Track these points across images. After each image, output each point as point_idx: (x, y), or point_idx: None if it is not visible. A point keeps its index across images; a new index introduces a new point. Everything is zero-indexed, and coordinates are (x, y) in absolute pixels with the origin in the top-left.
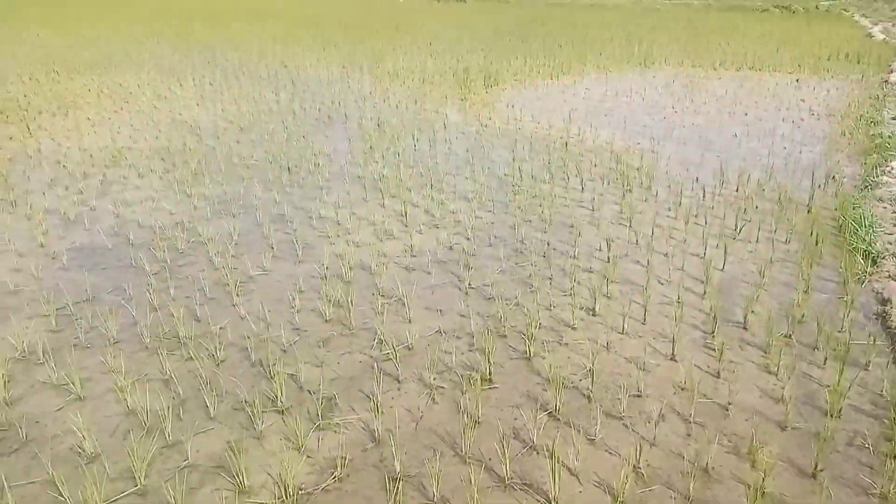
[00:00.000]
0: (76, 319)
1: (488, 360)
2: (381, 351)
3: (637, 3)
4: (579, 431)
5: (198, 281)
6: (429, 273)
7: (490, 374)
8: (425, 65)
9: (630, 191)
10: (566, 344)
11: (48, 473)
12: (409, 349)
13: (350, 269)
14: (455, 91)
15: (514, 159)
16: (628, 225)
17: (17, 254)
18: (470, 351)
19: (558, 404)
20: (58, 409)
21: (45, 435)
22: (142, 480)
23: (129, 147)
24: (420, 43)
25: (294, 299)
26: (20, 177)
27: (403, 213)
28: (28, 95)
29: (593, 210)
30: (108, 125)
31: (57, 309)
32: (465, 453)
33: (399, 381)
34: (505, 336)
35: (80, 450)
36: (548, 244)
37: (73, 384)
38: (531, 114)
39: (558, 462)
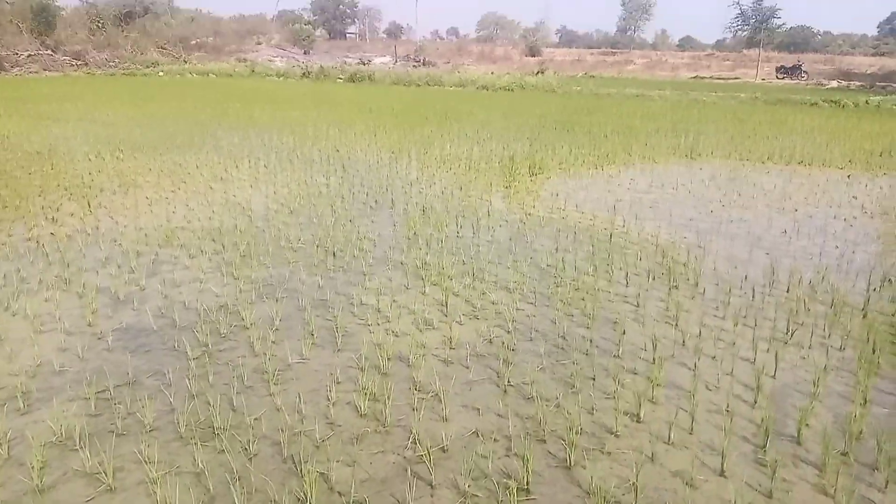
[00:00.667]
0: (115, 404)
1: (526, 467)
2: (414, 452)
3: (683, 95)
4: None
5: (237, 367)
6: (467, 367)
7: (528, 483)
8: (472, 152)
9: (676, 287)
10: (609, 453)
11: None
12: (444, 451)
13: (388, 360)
14: (500, 179)
15: (557, 249)
16: (674, 324)
17: (66, 332)
18: (507, 456)
19: None
20: (87, 501)
21: None
22: None
23: (182, 227)
24: (468, 130)
25: (330, 390)
26: (76, 254)
27: (444, 303)
28: (92, 173)
29: (638, 306)
30: (164, 204)
31: (97, 392)
32: None
33: (432, 487)
34: (544, 441)
35: None
36: (590, 341)
37: (106, 474)
38: (575, 203)
39: None
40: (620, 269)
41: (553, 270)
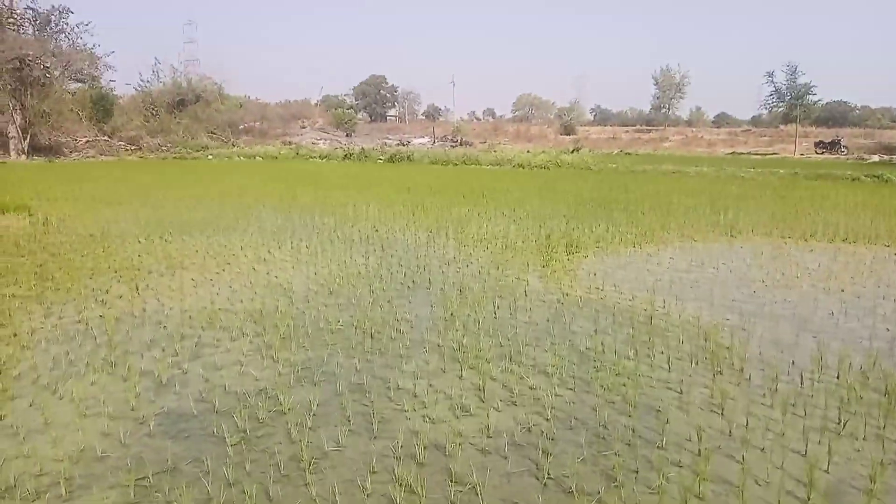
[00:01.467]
0: (154, 492)
1: None
2: None
3: (721, 170)
4: None
5: (274, 455)
6: (505, 458)
7: None
8: (508, 230)
9: (720, 373)
10: None
11: None
12: None
13: (424, 448)
14: (537, 258)
15: (595, 332)
16: (720, 412)
17: (109, 417)
18: None
19: None
20: None
21: None
22: None
23: (225, 309)
24: (504, 209)
25: (366, 481)
26: (123, 336)
27: (481, 388)
28: (141, 255)
29: (681, 393)
30: (209, 286)
31: (137, 479)
32: None
33: None
34: None
35: None
36: (633, 430)
37: None
38: (613, 283)
39: None
40: (662, 352)
41: (592, 354)
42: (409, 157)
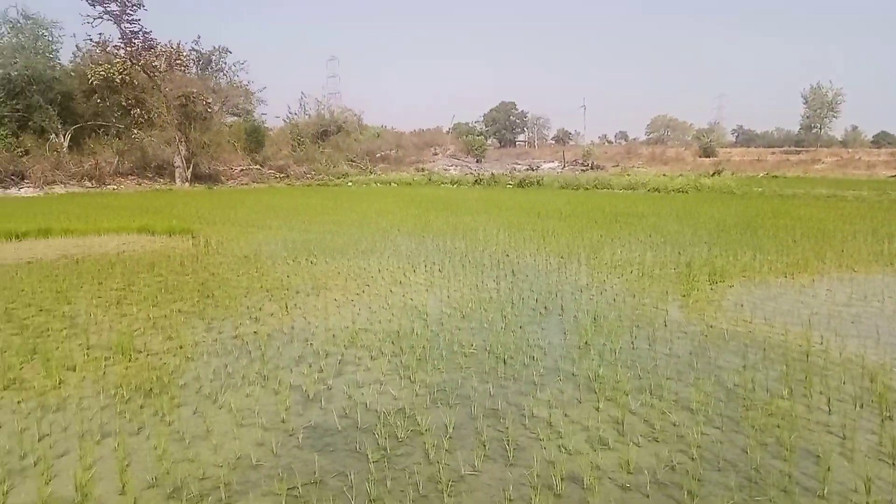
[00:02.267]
0: (302, 503)
1: None
2: None
3: (883, 194)
4: None
5: (413, 474)
6: (647, 496)
7: None
8: (644, 257)
9: (890, 418)
10: None
11: None
12: None
13: (561, 480)
14: (676, 286)
15: (744, 367)
16: (891, 463)
17: (262, 428)
18: None
19: None
20: None
21: None
22: None
23: (365, 329)
24: (640, 234)
25: None
26: (274, 352)
27: (620, 421)
28: (290, 276)
29: (844, 438)
30: (350, 306)
31: (288, 489)
32: None
33: None
34: None
35: None
36: (789, 476)
37: None
38: (763, 315)
39: None
40: (821, 393)
41: (741, 391)
42: (538, 182)
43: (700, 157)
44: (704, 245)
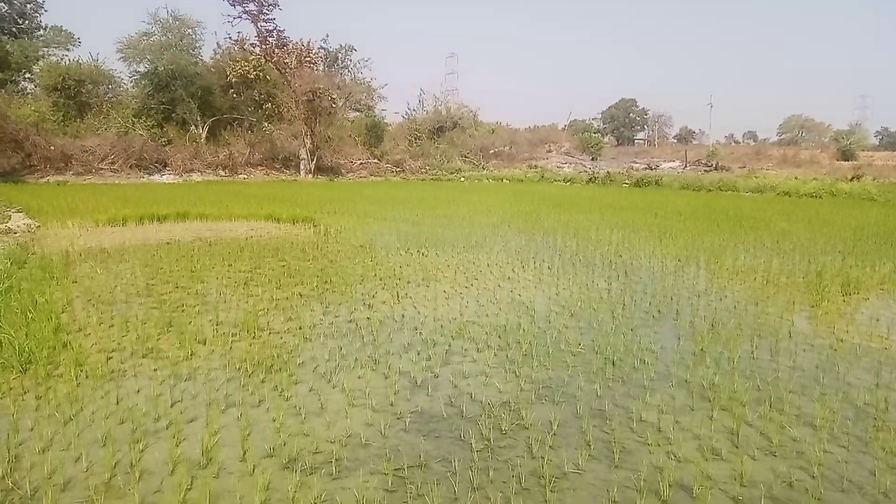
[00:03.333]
0: (408, 483)
1: None
2: None
3: None
4: None
5: (516, 467)
6: None
7: None
8: (770, 264)
9: None
10: None
11: None
12: None
13: (669, 486)
14: (804, 296)
15: (877, 385)
16: None
17: (372, 409)
18: None
19: None
20: None
21: None
22: None
23: (472, 321)
24: (765, 240)
25: None
26: (385, 338)
27: (734, 432)
28: (402, 266)
29: None
30: (458, 299)
31: (394, 469)
32: None
33: None
34: None
35: None
36: None
37: None
38: None
39: None
40: None
41: (872, 411)
42: (656, 182)
43: (837, 160)
44: (838, 254)
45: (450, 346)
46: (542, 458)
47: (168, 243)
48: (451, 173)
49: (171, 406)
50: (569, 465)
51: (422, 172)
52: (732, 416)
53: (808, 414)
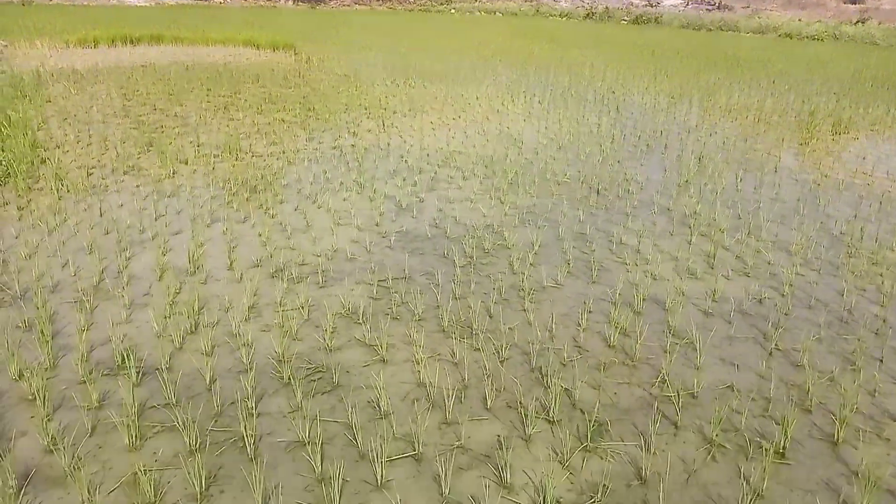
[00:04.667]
0: (392, 293)
1: (785, 432)
2: (661, 391)
3: None
4: None
5: (496, 281)
6: (729, 323)
7: (784, 448)
8: (763, 103)
9: None
10: (888, 440)
11: (348, 418)
12: (694, 397)
13: (643, 300)
14: (794, 135)
15: (855, 217)
16: None
17: (357, 228)
18: (763, 417)
19: None
20: (364, 366)
21: (351, 384)
22: (419, 447)
23: (459, 151)
24: (761, 79)
25: (581, 318)
26: (370, 164)
27: (711, 255)
28: (388, 97)
29: None
30: (445, 130)
31: (379, 280)
32: None
33: (677, 427)
34: (809, 411)
35: (375, 405)
36: (884, 321)
37: (381, 348)
38: (887, 170)
39: None
40: None
41: (847, 239)
42: (656, 20)
43: (844, 3)
44: (833, 95)
45: (436, 173)
46: (523, 273)
47: (143, 66)
48: (442, 4)
49: (156, 220)
50: (548, 281)
51: (409, 3)
52: (711, 241)
53: (784, 241)
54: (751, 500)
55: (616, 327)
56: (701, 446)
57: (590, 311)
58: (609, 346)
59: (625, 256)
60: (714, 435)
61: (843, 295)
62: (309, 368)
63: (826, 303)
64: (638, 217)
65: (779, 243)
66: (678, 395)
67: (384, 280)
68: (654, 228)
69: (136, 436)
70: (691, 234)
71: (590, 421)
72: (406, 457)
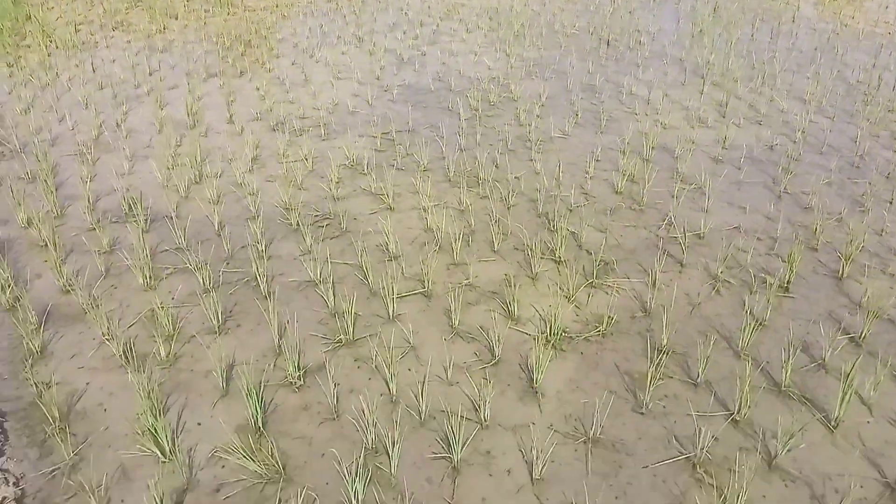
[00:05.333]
0: (396, 145)
1: (791, 268)
2: (668, 233)
3: None
4: (885, 365)
5: (502, 133)
6: (739, 169)
7: (789, 282)
8: None
9: None
10: (892, 274)
11: (358, 260)
12: (700, 237)
13: (652, 148)
14: None
15: (874, 66)
16: None
17: (358, 82)
18: (769, 255)
19: (865, 332)
20: (371, 213)
21: (359, 230)
22: (428, 285)
23: (462, 4)
24: None
25: (589, 166)
26: (369, 17)
27: (723, 104)
28: None
29: None
30: None
31: (382, 133)
32: (741, 349)
33: (682, 265)
34: (815, 249)
35: (384, 248)
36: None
37: (387, 196)
38: None
39: (851, 387)
40: None
41: (864, 87)
42: None
43: None
44: None
45: (438, 26)
46: (529, 125)
47: None
48: None
49: (150, 75)
50: (555, 131)
51: None
52: (723, 90)
53: (798, 90)
54: (753, 328)
55: (624, 174)
56: (706, 282)
57: (597, 160)
58: (616, 192)
59: (635, 107)
60: (719, 271)
61: (856, 141)
62: (316, 215)
63: (838, 148)
64: (649, 68)
65: (793, 92)
66: (685, 235)
67: (387, 133)
68: (665, 79)
69: (150, 276)
70: (703, 84)
71: (595, 260)
72: (416, 294)
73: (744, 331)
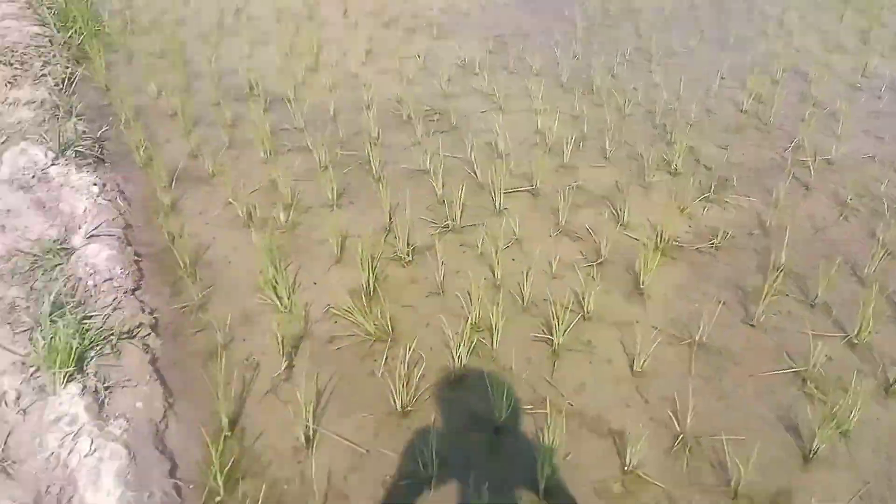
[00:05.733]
0: (509, 48)
1: None
2: (795, 156)
3: None
4: None
5: (621, 44)
6: (878, 98)
7: None
8: None
9: None
10: None
11: (467, 155)
12: (829, 163)
13: (783, 70)
14: None
15: None
16: None
17: None
18: None
19: None
20: (482, 112)
21: (470, 127)
22: (537, 184)
23: None
24: None
25: (713, 83)
26: None
27: (866, 31)
28: None
29: None
30: None
31: (495, 36)
32: (867, 276)
33: (808, 189)
34: None
35: (493, 146)
36: None
37: (498, 97)
38: None
39: None
40: None
41: None
42: None
43: None
44: None
45: None
46: (650, 38)
47: None
48: None
49: None
50: (678, 46)
51: None
52: (867, 17)
53: None
54: (882, 256)
55: (751, 95)
56: (833, 207)
57: (722, 78)
58: (741, 111)
59: (766, 27)
60: (848, 199)
61: None
62: (427, 110)
63: None
64: None
65: None
66: (815, 158)
67: (500, 36)
68: (801, 2)
69: (270, 150)
70: (844, 10)
71: (713, 176)
72: (523, 190)
73: (873, 258)
